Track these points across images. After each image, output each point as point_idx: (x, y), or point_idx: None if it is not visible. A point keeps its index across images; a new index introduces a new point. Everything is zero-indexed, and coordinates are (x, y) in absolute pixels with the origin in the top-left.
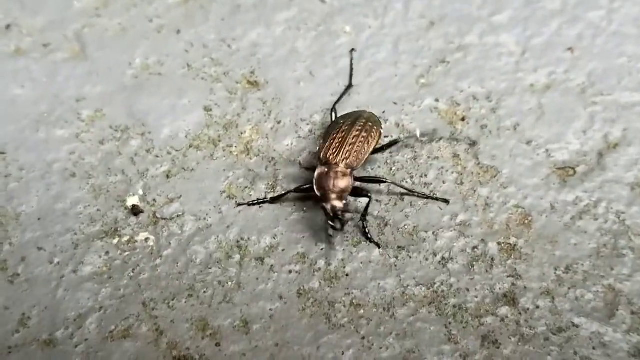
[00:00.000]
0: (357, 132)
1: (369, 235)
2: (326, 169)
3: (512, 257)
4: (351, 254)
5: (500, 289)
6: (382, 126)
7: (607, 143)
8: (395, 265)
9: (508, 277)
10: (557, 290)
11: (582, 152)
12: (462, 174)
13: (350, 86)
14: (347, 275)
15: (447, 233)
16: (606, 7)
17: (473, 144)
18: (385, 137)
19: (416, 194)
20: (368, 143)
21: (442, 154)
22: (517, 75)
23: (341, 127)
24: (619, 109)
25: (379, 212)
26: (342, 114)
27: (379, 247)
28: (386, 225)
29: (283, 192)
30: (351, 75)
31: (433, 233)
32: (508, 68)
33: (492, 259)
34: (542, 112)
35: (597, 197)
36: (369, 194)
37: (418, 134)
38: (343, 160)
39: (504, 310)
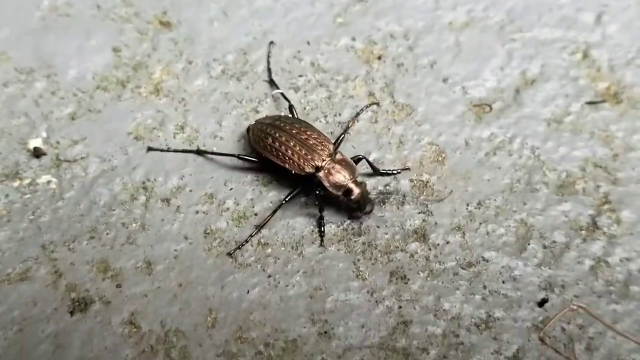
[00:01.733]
0: (296, 129)
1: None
2: (325, 172)
3: (425, 193)
4: (261, 194)
5: (410, 225)
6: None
7: (525, 79)
8: (306, 204)
9: (419, 213)
10: (468, 226)
11: (498, 88)
12: (376, 112)
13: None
14: (255, 214)
15: (359, 170)
16: None
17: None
18: (299, 76)
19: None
20: (310, 125)
21: (357, 92)
22: (435, 13)
23: (283, 139)
24: (538, 45)
25: None
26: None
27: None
28: None
29: (273, 211)
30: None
31: None
32: (427, 6)
33: (404, 196)
34: (460, 49)
35: (512, 133)
36: None
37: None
38: (323, 154)
39: (413, 246)
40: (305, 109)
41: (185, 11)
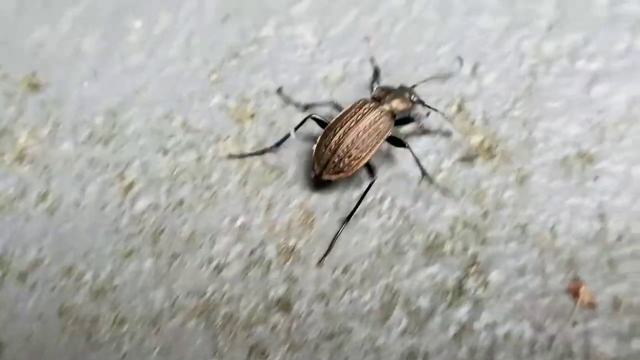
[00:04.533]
0: (347, 119)
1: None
2: (394, 109)
3: (291, 259)
4: (122, 265)
5: (275, 294)
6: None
7: (398, 135)
8: (168, 275)
9: (284, 281)
10: (332, 293)
11: None
12: (247, 174)
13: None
14: (115, 287)
15: (225, 238)
16: None
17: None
18: (170, 137)
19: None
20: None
21: (228, 153)
22: (311, 67)
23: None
24: None
25: (155, 218)
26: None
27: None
28: (162, 232)
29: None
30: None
31: (210, 238)
32: (303, 60)
33: (270, 263)
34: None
35: (382, 193)
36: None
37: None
38: (376, 103)
39: (276, 317)
40: (173, 172)
41: (55, 71)
